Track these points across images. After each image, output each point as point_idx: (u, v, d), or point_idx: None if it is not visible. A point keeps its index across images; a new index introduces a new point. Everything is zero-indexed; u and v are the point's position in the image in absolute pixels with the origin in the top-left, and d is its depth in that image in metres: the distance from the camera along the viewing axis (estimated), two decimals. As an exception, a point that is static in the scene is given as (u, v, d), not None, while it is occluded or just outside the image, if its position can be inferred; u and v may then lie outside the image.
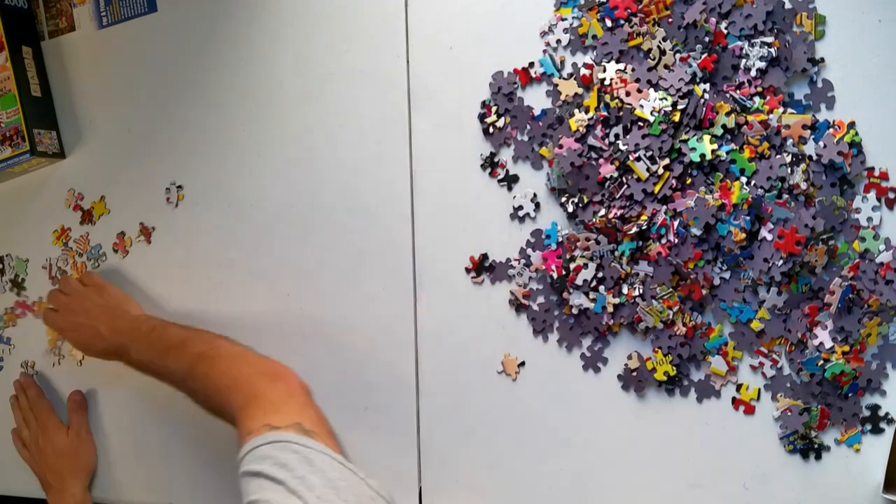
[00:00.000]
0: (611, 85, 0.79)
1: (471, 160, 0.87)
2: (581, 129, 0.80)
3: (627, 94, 0.78)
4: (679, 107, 0.76)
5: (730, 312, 0.77)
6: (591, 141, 0.80)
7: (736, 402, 0.78)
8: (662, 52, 0.78)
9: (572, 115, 0.81)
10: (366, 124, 0.91)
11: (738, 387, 0.78)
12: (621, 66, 0.79)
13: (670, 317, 0.78)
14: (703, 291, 0.77)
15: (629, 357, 0.80)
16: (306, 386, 0.76)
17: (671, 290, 0.78)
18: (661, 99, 0.77)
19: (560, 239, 0.82)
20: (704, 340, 0.78)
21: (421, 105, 0.89)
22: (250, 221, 0.97)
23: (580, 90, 0.81)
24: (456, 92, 0.87)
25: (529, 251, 0.84)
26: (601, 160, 0.79)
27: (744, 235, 0.74)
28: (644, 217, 0.78)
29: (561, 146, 0.80)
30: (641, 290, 0.79)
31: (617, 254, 0.79)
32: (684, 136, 0.77)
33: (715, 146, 0.75)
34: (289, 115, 0.94)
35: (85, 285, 0.99)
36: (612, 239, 0.80)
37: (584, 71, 0.81)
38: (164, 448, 1.02)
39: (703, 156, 0.76)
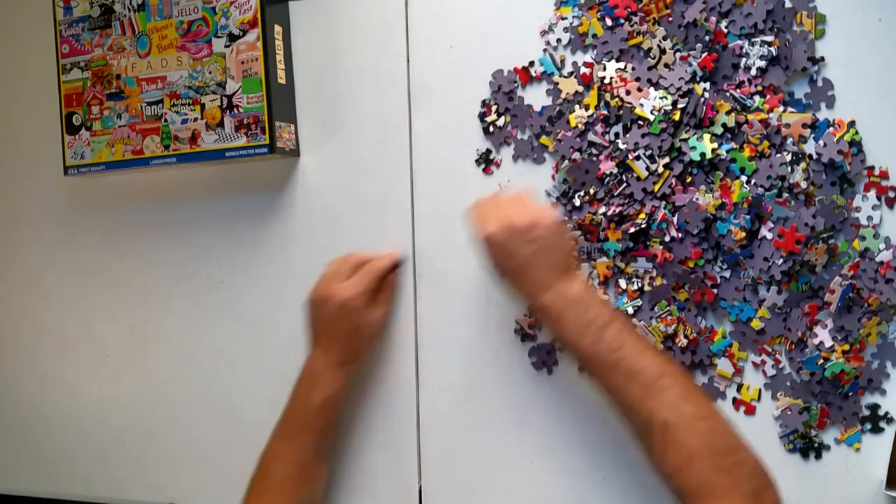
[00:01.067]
0: (611, 84, 0.79)
1: (471, 159, 0.87)
2: (580, 125, 0.80)
3: (627, 92, 0.78)
4: (679, 105, 0.76)
5: (730, 311, 0.77)
6: (590, 137, 0.80)
7: (737, 403, 0.78)
8: (662, 51, 0.78)
9: (572, 111, 0.81)
10: (366, 123, 0.91)
11: (739, 387, 0.78)
12: (621, 64, 0.79)
13: (670, 332, 0.78)
14: (714, 291, 0.77)
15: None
16: None
17: (668, 307, 0.78)
18: (661, 98, 0.77)
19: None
20: (709, 344, 0.78)
21: (421, 104, 0.89)
22: (250, 220, 0.97)
23: (580, 88, 0.81)
24: (456, 91, 0.87)
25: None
26: (601, 157, 0.79)
27: (744, 234, 0.74)
28: (643, 215, 0.78)
29: (560, 140, 0.80)
30: (641, 285, 0.79)
31: (610, 254, 0.80)
32: (684, 135, 0.77)
33: (715, 145, 0.76)
34: (289, 115, 0.94)
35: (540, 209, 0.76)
36: (593, 238, 0.80)
37: (584, 70, 0.81)
38: (164, 448, 1.02)
39: (703, 155, 0.76)
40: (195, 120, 0.89)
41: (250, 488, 0.86)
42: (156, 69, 0.91)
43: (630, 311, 0.80)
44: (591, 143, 0.80)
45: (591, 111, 0.80)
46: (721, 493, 0.65)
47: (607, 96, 0.79)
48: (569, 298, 0.73)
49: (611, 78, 0.79)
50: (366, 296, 0.84)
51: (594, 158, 0.80)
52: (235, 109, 0.87)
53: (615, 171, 0.79)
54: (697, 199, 0.76)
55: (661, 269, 0.78)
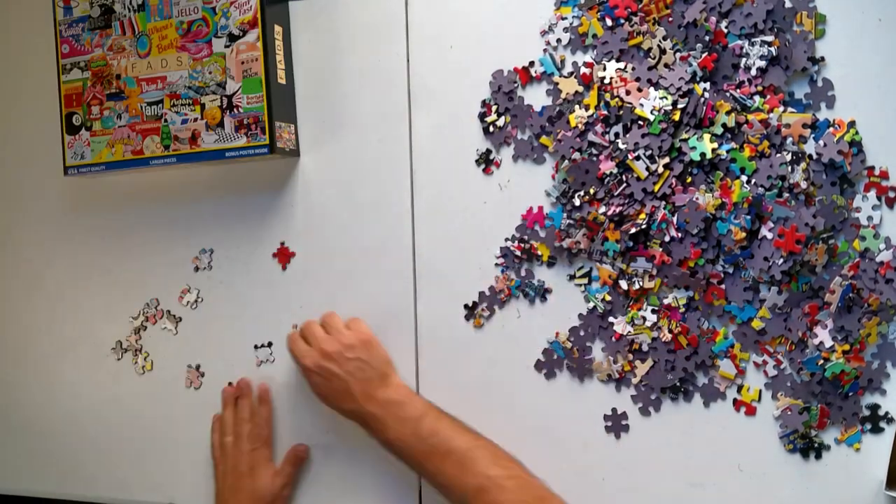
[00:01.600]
0: (611, 84, 0.79)
1: (471, 159, 0.87)
2: (580, 125, 0.80)
3: (627, 92, 0.78)
4: (679, 106, 0.76)
5: (729, 310, 0.77)
6: (591, 137, 0.80)
7: (737, 403, 0.78)
8: (662, 52, 0.78)
9: (572, 111, 0.81)
10: (366, 123, 0.91)
11: (740, 388, 0.78)
12: (621, 65, 0.79)
13: (665, 336, 0.78)
14: (723, 287, 0.77)
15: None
16: None
17: (647, 326, 0.79)
18: (661, 98, 0.77)
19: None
20: (711, 345, 0.78)
21: (421, 105, 0.89)
22: (250, 220, 0.97)
23: (580, 88, 0.81)
24: (456, 91, 0.87)
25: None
26: (601, 157, 0.79)
27: (744, 235, 0.74)
28: (643, 215, 0.78)
29: (560, 140, 0.80)
30: (641, 284, 0.79)
31: (610, 254, 0.80)
32: (684, 135, 0.77)
33: (715, 145, 0.75)
34: (289, 115, 0.94)
35: (348, 329, 0.88)
36: (591, 235, 0.80)
37: (584, 70, 0.81)
38: (164, 448, 1.02)
39: (703, 155, 0.76)
40: (195, 120, 0.89)
41: None
42: (156, 69, 0.91)
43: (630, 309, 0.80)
44: (592, 143, 0.80)
45: (591, 111, 0.80)
46: None
47: (607, 96, 0.79)
48: (389, 402, 0.82)
49: (611, 78, 0.79)
50: (268, 449, 0.93)
51: (594, 158, 0.80)
52: (235, 109, 0.87)
53: (615, 171, 0.79)
54: (697, 198, 0.76)
55: (661, 270, 0.78)
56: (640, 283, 0.79)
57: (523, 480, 0.76)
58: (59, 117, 0.97)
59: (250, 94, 0.87)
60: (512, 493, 0.74)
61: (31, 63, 1.06)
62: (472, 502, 0.74)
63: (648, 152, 0.77)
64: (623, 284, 0.80)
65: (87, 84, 0.94)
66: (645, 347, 0.79)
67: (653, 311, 0.79)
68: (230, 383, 0.97)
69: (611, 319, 0.81)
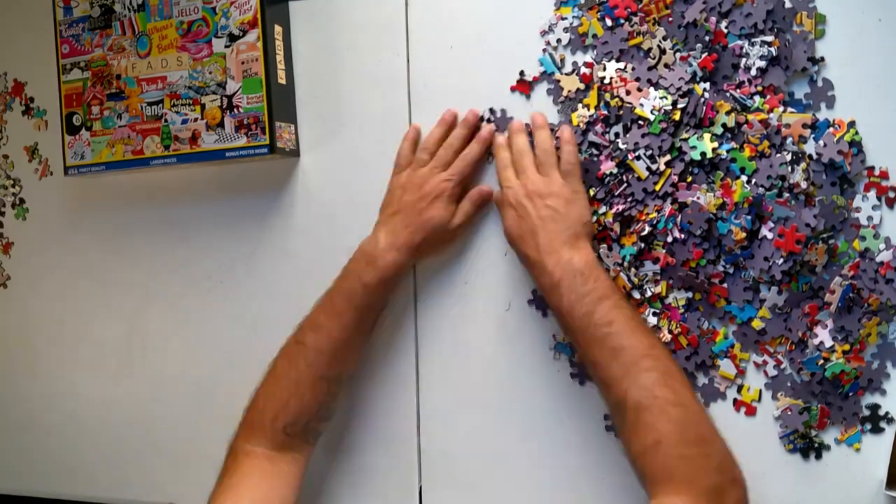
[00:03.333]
0: (611, 83, 0.79)
1: (471, 159, 0.87)
2: (581, 124, 0.80)
3: (627, 92, 0.78)
4: (679, 105, 0.76)
5: (729, 311, 0.77)
6: (591, 137, 0.80)
7: (737, 404, 0.78)
8: (662, 52, 0.78)
9: (575, 109, 0.81)
10: (366, 123, 0.91)
11: (740, 388, 0.78)
12: (621, 65, 0.79)
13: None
14: (725, 286, 0.77)
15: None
16: None
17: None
18: (661, 98, 0.77)
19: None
20: (711, 345, 0.78)
21: (421, 105, 0.89)
22: (250, 220, 0.97)
23: (581, 86, 0.81)
24: (456, 92, 0.87)
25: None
26: (601, 157, 0.80)
27: (744, 235, 0.74)
28: (653, 214, 0.78)
29: (558, 138, 0.81)
30: (654, 291, 0.79)
31: (625, 263, 0.80)
32: (685, 135, 0.77)
33: (715, 144, 0.76)
34: (289, 115, 0.94)
35: (560, 176, 0.79)
36: (608, 242, 0.80)
37: (584, 70, 0.81)
38: (164, 448, 1.02)
39: (703, 154, 0.76)
40: (195, 120, 0.89)
41: (281, 353, 0.85)
42: (156, 69, 0.91)
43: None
44: (592, 144, 0.80)
45: (591, 111, 0.80)
46: (679, 482, 0.65)
47: (607, 96, 0.79)
48: (570, 267, 0.74)
49: (611, 78, 0.79)
50: (458, 189, 0.84)
51: (595, 159, 0.80)
52: (235, 110, 0.87)
53: (615, 171, 0.79)
54: (699, 198, 0.76)
55: (666, 272, 0.78)
56: (652, 290, 0.79)
57: (689, 412, 0.69)
58: (59, 117, 0.97)
59: (250, 94, 0.87)
60: (671, 423, 0.67)
61: (31, 63, 1.06)
62: (628, 413, 0.69)
63: (649, 152, 0.77)
64: (636, 294, 0.80)
65: (88, 84, 0.95)
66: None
67: (653, 314, 0.79)
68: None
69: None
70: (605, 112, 0.80)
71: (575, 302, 0.73)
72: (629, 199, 0.79)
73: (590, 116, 0.80)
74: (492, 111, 0.85)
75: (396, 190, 0.85)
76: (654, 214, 0.78)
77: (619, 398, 0.70)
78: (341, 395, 0.86)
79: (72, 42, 0.95)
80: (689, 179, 0.77)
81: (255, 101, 0.87)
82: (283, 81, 0.90)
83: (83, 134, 0.95)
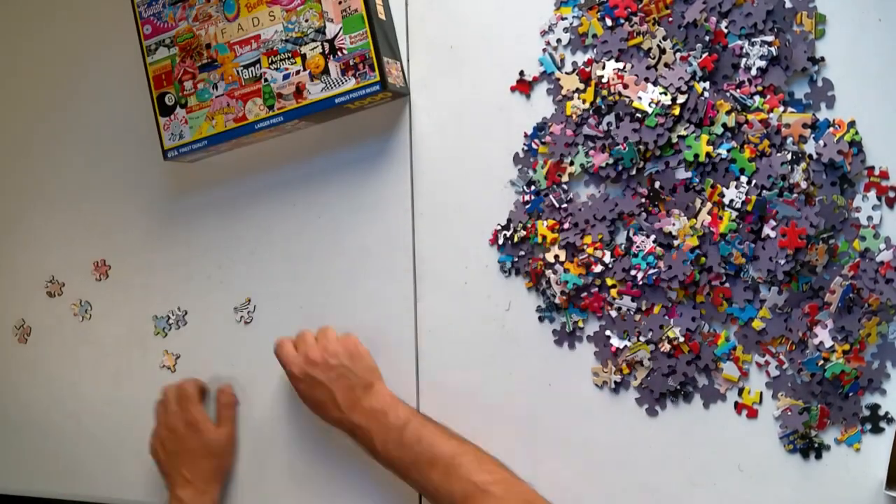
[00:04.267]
0: (608, 82, 0.79)
1: (471, 159, 0.87)
2: (575, 115, 0.81)
3: (625, 86, 0.78)
4: (679, 101, 0.76)
5: (730, 312, 0.77)
6: (586, 130, 0.80)
7: (738, 406, 0.77)
8: (662, 52, 0.78)
9: (571, 98, 0.81)
10: (366, 123, 0.91)
11: (741, 391, 0.77)
12: (620, 65, 0.79)
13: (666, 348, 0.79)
14: (728, 286, 0.77)
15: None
16: None
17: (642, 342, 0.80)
18: (661, 93, 0.77)
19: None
20: (713, 348, 0.78)
21: (421, 105, 0.89)
22: (251, 220, 0.97)
23: (581, 86, 0.81)
24: (456, 92, 0.87)
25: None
26: (592, 152, 0.80)
27: (744, 260, 0.75)
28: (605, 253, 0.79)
29: (552, 133, 0.80)
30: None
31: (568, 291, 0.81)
32: (683, 132, 0.77)
33: (710, 148, 0.75)
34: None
35: (338, 340, 0.88)
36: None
37: (583, 66, 0.81)
38: (163, 448, 1.02)
39: (696, 156, 0.76)
40: (297, 73, 0.86)
41: None
42: (247, 30, 0.88)
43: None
44: (587, 137, 0.80)
45: (587, 105, 0.80)
46: None
47: (604, 92, 0.79)
48: (373, 411, 0.82)
49: (608, 77, 0.79)
50: (203, 420, 0.94)
51: (589, 157, 0.80)
52: (339, 52, 0.84)
53: (609, 162, 0.79)
54: (673, 224, 0.76)
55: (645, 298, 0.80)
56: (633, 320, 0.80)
57: (509, 484, 0.76)
58: (150, 101, 0.94)
59: (352, 32, 0.83)
60: (498, 498, 0.74)
61: (116, 51, 1.04)
62: None
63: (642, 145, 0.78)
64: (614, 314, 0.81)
65: (176, 60, 0.92)
66: (645, 362, 0.79)
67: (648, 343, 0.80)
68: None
69: (607, 333, 0.82)
70: (602, 106, 0.80)
71: (386, 438, 0.80)
72: (574, 225, 0.80)
73: (584, 111, 0.80)
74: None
75: (160, 453, 0.95)
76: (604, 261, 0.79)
77: (449, 501, 0.75)
78: None
79: (153, 21, 0.92)
80: (669, 199, 0.78)
81: (359, 39, 0.82)
82: (382, 17, 0.86)
83: (178, 112, 0.92)
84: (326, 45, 0.84)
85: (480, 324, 0.86)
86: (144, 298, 1.03)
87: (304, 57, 0.85)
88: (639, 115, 0.78)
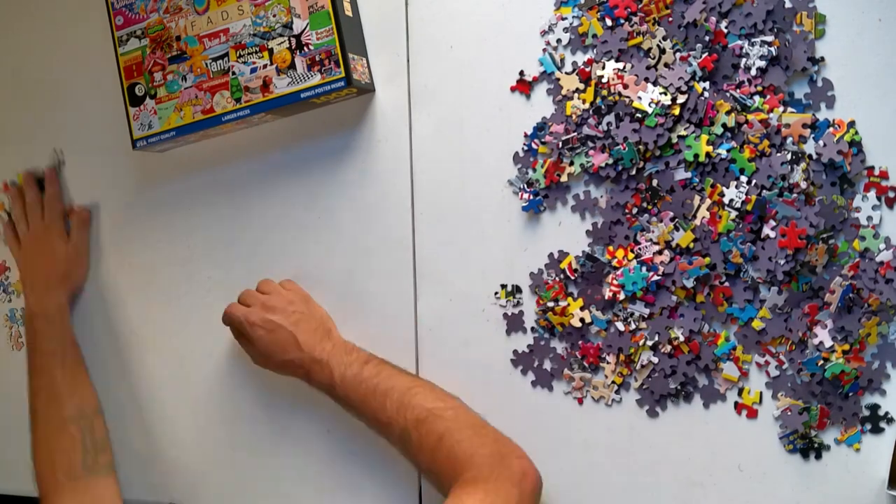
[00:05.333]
0: (608, 82, 0.79)
1: (471, 159, 0.87)
2: (575, 115, 0.81)
3: (625, 86, 0.78)
4: (679, 101, 0.76)
5: (730, 312, 0.77)
6: (586, 130, 0.80)
7: (738, 406, 0.77)
8: (662, 51, 0.78)
9: (571, 98, 0.81)
10: (366, 123, 0.91)
11: (740, 391, 0.77)
12: (620, 65, 0.79)
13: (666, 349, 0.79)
14: (727, 285, 0.77)
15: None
16: (538, 480, 0.75)
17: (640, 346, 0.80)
18: (661, 93, 0.77)
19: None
20: (713, 348, 0.78)
21: (421, 105, 0.89)
22: (251, 221, 0.97)
23: (581, 86, 0.81)
24: (456, 92, 0.87)
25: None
26: (593, 151, 0.80)
27: (741, 260, 0.75)
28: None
29: (552, 132, 0.80)
30: (636, 326, 0.80)
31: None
32: (683, 131, 0.77)
33: (710, 148, 0.76)
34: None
35: (285, 289, 0.91)
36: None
37: (582, 66, 0.81)
38: (164, 448, 1.02)
39: (696, 156, 0.76)
40: (264, 67, 0.87)
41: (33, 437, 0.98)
42: (217, 23, 0.89)
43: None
44: (588, 136, 0.80)
45: (586, 105, 0.80)
46: (462, 462, 0.73)
47: (604, 92, 0.79)
48: (334, 350, 0.85)
49: (608, 77, 0.79)
50: (59, 220, 1.04)
51: (589, 157, 0.80)
52: (306, 48, 0.85)
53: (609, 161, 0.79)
54: (653, 232, 0.77)
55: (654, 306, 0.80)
56: (636, 325, 0.80)
57: (461, 411, 0.79)
58: (120, 91, 0.95)
59: (319, 28, 0.84)
60: (449, 420, 0.77)
61: (88, 41, 1.04)
62: (412, 433, 0.77)
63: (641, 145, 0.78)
64: (620, 325, 0.81)
65: (147, 52, 0.93)
66: (645, 361, 0.80)
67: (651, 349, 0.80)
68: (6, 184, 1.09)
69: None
70: (602, 107, 0.80)
71: (344, 369, 0.82)
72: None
73: (584, 111, 0.80)
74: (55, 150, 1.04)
75: (20, 266, 1.05)
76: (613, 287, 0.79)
77: (401, 427, 0.78)
78: (99, 428, 0.97)
79: (125, 12, 0.94)
80: (667, 199, 0.77)
81: (325, 35, 0.84)
82: (349, 14, 0.87)
83: (148, 103, 0.93)
84: (293, 41, 0.86)
85: (480, 324, 0.86)
86: (144, 297, 1.03)
87: (271, 51, 0.87)
88: (639, 115, 0.78)
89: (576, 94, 0.81)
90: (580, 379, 0.82)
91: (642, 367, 0.79)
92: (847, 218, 0.74)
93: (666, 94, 0.77)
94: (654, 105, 0.77)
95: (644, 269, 0.78)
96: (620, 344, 0.80)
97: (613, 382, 0.81)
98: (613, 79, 0.79)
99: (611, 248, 0.80)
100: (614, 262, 0.80)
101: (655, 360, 0.79)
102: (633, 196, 0.79)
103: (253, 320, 0.86)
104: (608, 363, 0.81)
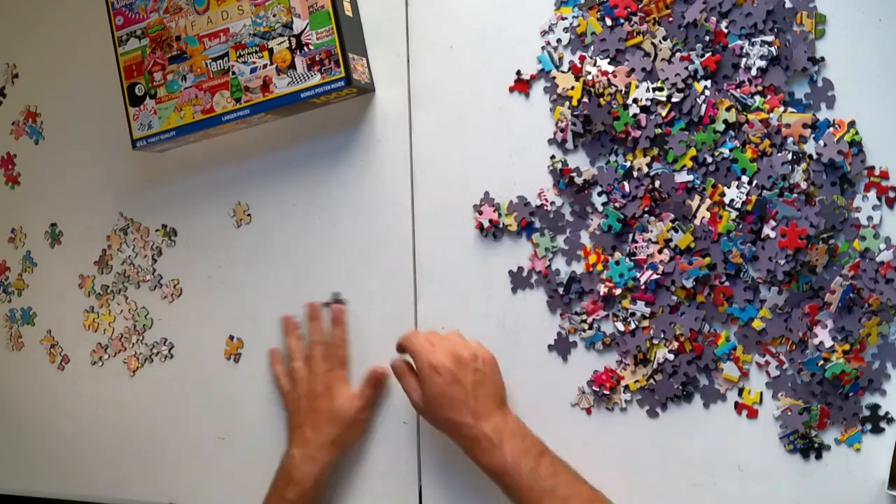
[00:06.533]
0: (593, 79, 0.79)
1: (470, 159, 0.87)
2: (561, 125, 0.81)
3: (615, 75, 0.78)
4: (674, 99, 0.76)
5: (730, 312, 0.77)
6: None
7: (739, 406, 0.77)
8: (658, 49, 0.78)
9: (561, 104, 0.81)
10: (366, 123, 0.91)
11: (741, 391, 0.77)
12: (611, 67, 0.79)
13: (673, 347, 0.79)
14: (728, 284, 0.77)
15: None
16: None
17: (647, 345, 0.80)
18: (656, 89, 0.77)
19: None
20: (713, 348, 0.78)
21: (421, 105, 0.89)
22: (251, 220, 0.97)
23: (577, 84, 0.81)
24: (456, 92, 0.87)
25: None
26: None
27: (741, 260, 0.75)
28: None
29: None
30: (636, 325, 0.80)
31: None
32: (680, 132, 0.77)
33: (693, 152, 0.76)
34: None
35: (476, 344, 0.83)
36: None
37: (575, 61, 0.81)
38: (164, 448, 1.02)
39: (694, 157, 0.76)
40: (264, 67, 0.87)
41: None
42: (216, 23, 0.89)
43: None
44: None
45: (573, 103, 0.81)
46: None
47: (593, 90, 0.79)
48: (507, 428, 0.77)
49: (594, 74, 0.79)
50: (342, 371, 0.90)
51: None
52: (306, 48, 0.85)
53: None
54: (651, 231, 0.77)
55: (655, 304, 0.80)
56: (635, 324, 0.80)
57: None
58: (120, 91, 0.95)
59: (319, 28, 0.84)
60: None
61: (89, 42, 1.05)
62: None
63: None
64: (619, 325, 0.81)
65: (147, 52, 0.93)
66: (661, 359, 0.79)
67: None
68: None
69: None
70: (587, 101, 0.80)
71: (519, 460, 0.75)
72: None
73: (573, 111, 0.80)
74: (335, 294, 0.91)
75: (291, 405, 0.91)
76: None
77: None
78: None
79: (125, 12, 0.94)
80: (668, 200, 0.78)
81: (325, 35, 0.84)
82: (349, 14, 0.87)
83: (147, 103, 0.93)
84: (293, 41, 0.85)
85: (480, 323, 0.86)
86: (144, 297, 1.03)
87: (271, 51, 0.87)
88: (633, 114, 0.78)
89: (571, 98, 0.81)
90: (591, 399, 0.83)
91: (659, 364, 0.79)
92: (847, 218, 0.74)
93: (662, 89, 0.77)
94: (648, 102, 0.77)
95: (627, 259, 0.79)
96: (636, 343, 0.80)
97: (627, 388, 0.81)
98: (597, 76, 0.79)
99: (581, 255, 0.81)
100: (598, 267, 0.80)
101: (671, 356, 0.79)
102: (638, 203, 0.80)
103: (435, 363, 0.79)
104: (627, 370, 0.81)
